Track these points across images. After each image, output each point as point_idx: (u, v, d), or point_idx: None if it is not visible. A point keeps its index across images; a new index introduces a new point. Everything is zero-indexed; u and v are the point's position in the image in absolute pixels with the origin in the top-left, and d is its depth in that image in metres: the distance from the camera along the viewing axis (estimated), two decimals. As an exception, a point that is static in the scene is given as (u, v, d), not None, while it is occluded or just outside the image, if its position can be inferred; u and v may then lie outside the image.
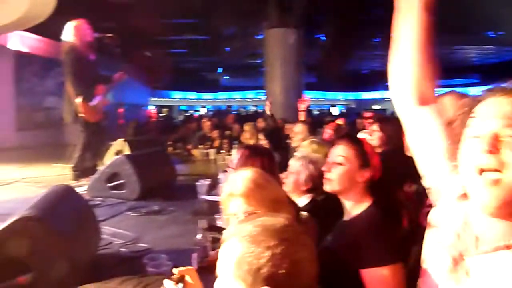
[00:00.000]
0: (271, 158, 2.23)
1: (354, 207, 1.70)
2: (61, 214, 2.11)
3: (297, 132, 4.47)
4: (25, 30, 9.46)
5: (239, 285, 0.86)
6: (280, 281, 0.83)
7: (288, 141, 5.36)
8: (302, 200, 2.30)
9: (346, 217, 1.74)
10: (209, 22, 12.29)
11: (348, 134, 2.74)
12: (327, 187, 1.74)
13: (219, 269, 0.93)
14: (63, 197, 2.38)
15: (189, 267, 1.17)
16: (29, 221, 1.83)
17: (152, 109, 19.04)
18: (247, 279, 0.85)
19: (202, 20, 12.31)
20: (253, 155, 2.13)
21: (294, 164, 2.25)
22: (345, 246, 1.61)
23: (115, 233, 3.07)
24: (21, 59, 10.50)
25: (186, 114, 25.31)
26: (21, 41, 10.29)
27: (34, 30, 9.40)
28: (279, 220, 0.92)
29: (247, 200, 1.49)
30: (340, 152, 1.73)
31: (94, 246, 2.51)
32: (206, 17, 11.79)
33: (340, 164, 1.70)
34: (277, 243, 0.86)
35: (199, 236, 2.31)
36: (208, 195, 3.79)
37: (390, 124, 3.19)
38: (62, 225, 2.01)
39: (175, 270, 1.15)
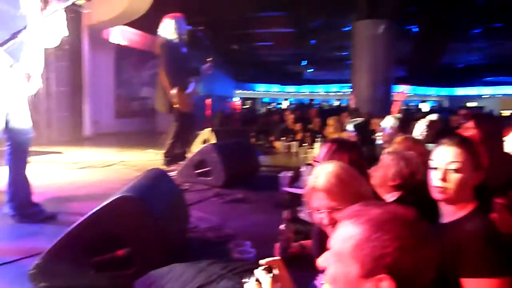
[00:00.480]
0: (359, 152, 2.17)
1: (456, 210, 1.53)
2: (156, 196, 2.26)
3: (387, 127, 4.27)
4: (125, 24, 10.22)
5: (354, 266, 0.85)
6: (401, 275, 0.81)
7: (374, 136, 5.18)
8: (389, 197, 2.20)
9: (445, 220, 1.57)
10: (297, 15, 12.25)
11: (456, 134, 2.53)
12: (439, 196, 1.55)
13: (332, 244, 0.92)
14: (157, 180, 2.54)
15: (276, 258, 1.19)
16: (128, 200, 1.98)
17: (236, 101, 19.53)
18: (366, 263, 0.84)
19: (290, 12, 12.30)
20: (340, 149, 2.08)
21: (385, 158, 2.15)
22: (446, 251, 1.41)
23: (201, 217, 3.22)
24: (121, 52, 11.37)
25: (268, 107, 25.61)
26: (122, 35, 11.12)
27: (132, 24, 10.11)
28: (410, 212, 0.90)
29: (330, 195, 1.46)
30: (454, 156, 1.52)
31: (184, 228, 2.65)
32: (294, 10, 11.76)
33: (455, 170, 1.51)
34: (408, 235, 0.84)
35: (282, 227, 2.32)
36: (290, 187, 3.80)
37: (489, 121, 2.93)
38: (156, 205, 2.14)
39: (262, 261, 1.17)
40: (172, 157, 5.34)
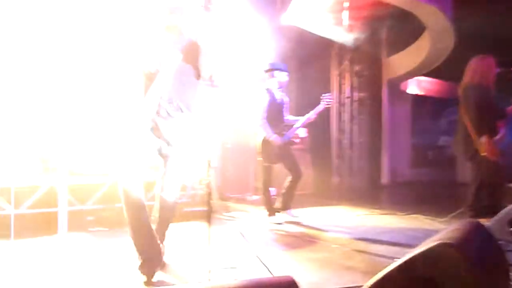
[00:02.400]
0: None
1: None
2: (473, 246, 2.14)
3: None
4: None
5: None
6: None
7: None
8: None
9: None
10: None
11: None
12: None
13: None
14: (473, 231, 2.40)
15: None
16: (447, 247, 1.96)
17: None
18: None
19: None
20: None
21: None
22: None
23: None
24: (417, 101, 11.46)
25: None
26: (418, 85, 11.24)
27: (428, 72, 10.09)
28: None
29: None
30: None
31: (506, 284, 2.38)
32: None
33: None
34: None
35: None
36: None
37: None
38: (474, 255, 2.03)
39: None
40: (477, 210, 4.89)
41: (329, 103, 4.72)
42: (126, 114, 2.73)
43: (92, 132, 4.94)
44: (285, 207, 4.92)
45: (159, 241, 2.74)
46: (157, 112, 2.63)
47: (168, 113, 2.66)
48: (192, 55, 2.65)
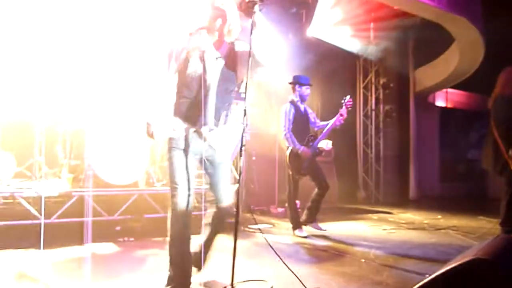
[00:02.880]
0: None
1: None
2: (507, 262, 2.07)
3: None
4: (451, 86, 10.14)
5: None
6: None
7: None
8: None
9: None
10: None
11: None
12: None
13: None
14: (507, 247, 2.32)
15: None
16: (481, 262, 1.91)
17: None
18: None
19: None
20: None
21: None
22: None
23: None
24: (445, 113, 11.24)
25: None
26: (446, 97, 11.03)
27: (457, 85, 9.91)
28: None
29: None
30: None
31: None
32: None
33: None
34: None
35: None
36: None
37: None
38: (507, 270, 1.97)
39: None
40: (510, 226, 4.71)
41: (350, 105, 4.67)
42: (172, 122, 2.62)
43: (121, 142, 5.04)
44: (311, 220, 4.87)
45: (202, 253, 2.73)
46: (205, 120, 2.58)
47: (215, 121, 2.61)
48: (233, 61, 2.62)
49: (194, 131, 2.58)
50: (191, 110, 2.56)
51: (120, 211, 4.70)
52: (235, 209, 2.46)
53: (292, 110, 4.78)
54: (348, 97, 4.69)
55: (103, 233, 4.36)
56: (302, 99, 4.90)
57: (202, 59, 2.55)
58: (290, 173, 4.78)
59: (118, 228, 4.51)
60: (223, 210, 2.77)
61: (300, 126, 4.81)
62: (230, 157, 2.62)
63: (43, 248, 3.83)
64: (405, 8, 7.15)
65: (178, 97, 2.62)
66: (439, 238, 4.86)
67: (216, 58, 2.57)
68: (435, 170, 11.06)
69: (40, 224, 4.06)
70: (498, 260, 1.94)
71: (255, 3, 2.37)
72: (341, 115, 4.62)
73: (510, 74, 4.83)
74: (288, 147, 4.75)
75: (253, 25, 2.39)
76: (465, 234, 5.08)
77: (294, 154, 4.69)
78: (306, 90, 4.89)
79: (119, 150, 4.99)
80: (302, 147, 4.65)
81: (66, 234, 4.21)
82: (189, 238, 2.60)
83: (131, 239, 4.27)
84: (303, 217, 4.89)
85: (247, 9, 2.35)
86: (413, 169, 9.74)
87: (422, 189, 9.90)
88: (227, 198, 2.75)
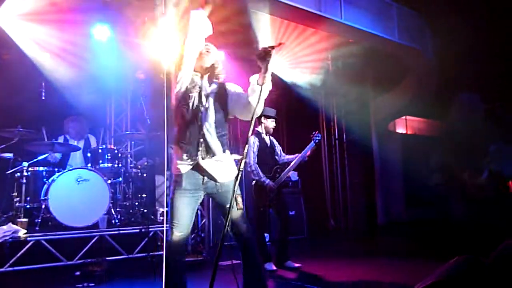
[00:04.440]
0: None
1: None
2: (469, 283, 2.08)
3: None
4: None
5: None
6: None
7: None
8: None
9: None
10: None
11: None
12: None
13: None
14: (469, 267, 2.34)
15: None
16: (442, 285, 1.90)
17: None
18: None
19: None
20: None
21: None
22: None
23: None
24: (406, 140, 11.53)
25: None
26: (406, 125, 11.39)
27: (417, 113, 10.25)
28: None
29: None
30: None
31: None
32: None
33: None
34: None
35: None
36: None
37: None
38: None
39: None
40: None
41: (319, 139, 4.75)
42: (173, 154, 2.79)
43: (80, 184, 4.88)
44: (284, 259, 4.75)
45: None
46: (206, 151, 2.69)
47: (214, 152, 2.71)
48: (223, 98, 2.81)
49: (192, 169, 2.67)
50: (190, 142, 2.68)
51: (80, 255, 4.47)
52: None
53: (257, 143, 4.77)
54: (316, 132, 4.78)
55: (61, 279, 4.13)
56: (268, 131, 4.93)
57: (199, 95, 2.75)
58: (256, 205, 4.72)
59: (77, 273, 4.26)
60: (250, 242, 2.78)
61: (266, 158, 4.80)
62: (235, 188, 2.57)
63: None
64: (360, 40, 7.42)
65: (177, 134, 2.75)
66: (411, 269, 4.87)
67: (209, 94, 2.79)
68: (400, 196, 11.21)
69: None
70: (458, 282, 1.94)
71: (272, 49, 2.44)
72: (308, 151, 4.71)
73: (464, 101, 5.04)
74: (253, 179, 4.71)
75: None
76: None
77: (258, 186, 4.66)
78: (271, 122, 4.92)
79: (77, 191, 4.83)
80: (268, 181, 4.63)
81: (21, 284, 3.96)
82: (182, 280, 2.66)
83: (91, 284, 4.03)
84: (275, 259, 4.75)
85: (264, 56, 2.44)
86: (379, 196, 9.87)
87: (389, 215, 10.00)
88: (247, 229, 2.76)
